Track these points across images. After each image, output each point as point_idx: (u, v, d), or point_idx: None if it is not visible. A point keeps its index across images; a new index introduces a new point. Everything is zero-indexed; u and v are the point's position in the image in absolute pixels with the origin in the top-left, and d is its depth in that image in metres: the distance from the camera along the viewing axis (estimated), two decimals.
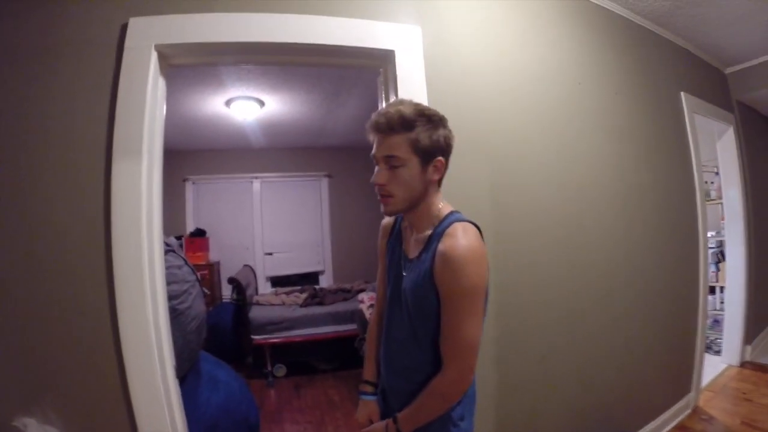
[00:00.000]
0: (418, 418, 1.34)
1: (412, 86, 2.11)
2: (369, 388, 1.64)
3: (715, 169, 4.50)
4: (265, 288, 7.10)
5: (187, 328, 2.32)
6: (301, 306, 5.51)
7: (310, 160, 7.43)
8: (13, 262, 1.69)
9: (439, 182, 1.40)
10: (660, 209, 3.12)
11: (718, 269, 4.66)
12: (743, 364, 4.18)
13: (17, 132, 1.73)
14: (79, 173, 1.75)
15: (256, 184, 7.32)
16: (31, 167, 1.72)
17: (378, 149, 1.32)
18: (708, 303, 3.55)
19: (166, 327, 1.83)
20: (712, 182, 4.67)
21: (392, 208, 1.36)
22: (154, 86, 1.84)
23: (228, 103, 4.73)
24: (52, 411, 1.67)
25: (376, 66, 2.24)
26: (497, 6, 2.43)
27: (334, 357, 5.27)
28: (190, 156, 6.87)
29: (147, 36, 1.83)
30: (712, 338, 4.55)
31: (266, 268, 7.31)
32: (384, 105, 2.16)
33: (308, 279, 7.43)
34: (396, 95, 2.09)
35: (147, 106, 1.79)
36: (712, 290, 4.57)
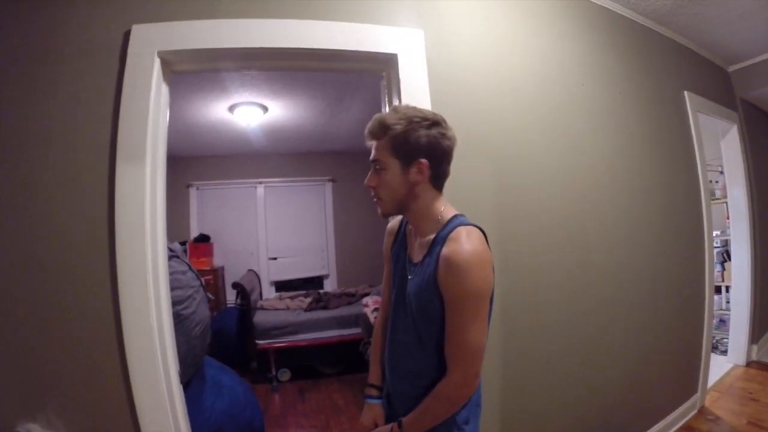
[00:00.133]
0: (424, 422, 1.33)
1: (415, 89, 2.11)
2: (374, 392, 1.63)
3: (720, 168, 4.49)
4: (269, 293, 7.11)
5: (192, 334, 2.33)
6: (306, 310, 5.51)
7: (314, 164, 7.45)
8: (17, 268, 1.70)
9: (436, 185, 1.37)
10: (664, 209, 3.11)
11: (723, 269, 4.64)
12: (749, 364, 4.16)
13: (21, 138, 1.74)
14: (83, 179, 1.76)
15: (260, 190, 7.33)
16: (35, 173, 1.74)
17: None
18: (714, 303, 3.54)
19: (171, 332, 1.84)
20: (716, 181, 4.66)
21: (382, 210, 1.40)
22: (158, 92, 1.85)
23: (231, 108, 4.75)
24: (56, 417, 1.67)
25: (378, 70, 2.24)
26: (499, 8, 2.43)
27: (338, 361, 5.26)
28: (193, 162, 6.89)
29: (150, 43, 1.84)
30: (718, 338, 4.54)
31: (270, 272, 7.33)
32: (387, 109, 2.17)
33: (312, 283, 7.44)
34: (399, 99, 2.09)
35: (150, 113, 1.80)
36: (717, 290, 4.55)
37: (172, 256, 2.23)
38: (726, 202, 4.40)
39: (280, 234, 7.40)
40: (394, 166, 1.33)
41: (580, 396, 2.54)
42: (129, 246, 1.72)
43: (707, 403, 3.45)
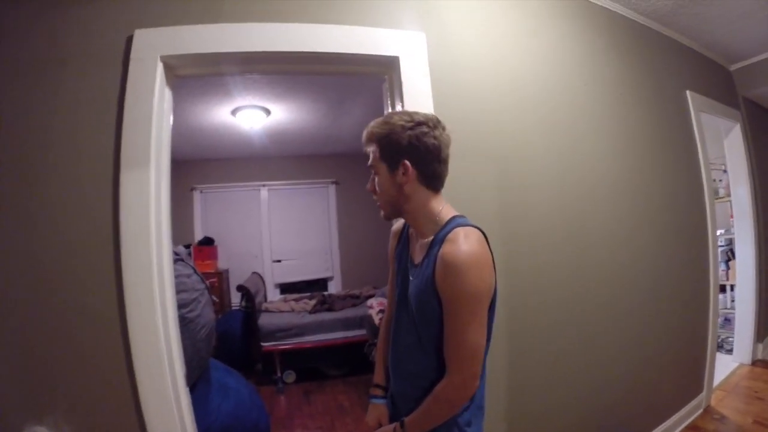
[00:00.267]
0: (425, 423, 1.33)
1: (417, 92, 2.12)
2: (379, 392, 1.65)
3: (723, 167, 4.48)
4: (273, 295, 7.13)
5: (197, 336, 2.33)
6: (310, 312, 5.53)
7: (317, 167, 7.46)
8: (24, 274, 1.71)
9: (429, 185, 1.37)
10: (668, 208, 3.11)
11: (728, 267, 4.62)
12: (755, 363, 4.15)
13: (25, 144, 1.75)
14: (87, 184, 1.77)
15: (264, 192, 7.35)
16: (40, 179, 1.74)
17: None
18: (719, 302, 3.53)
19: (176, 335, 1.84)
20: (720, 180, 4.64)
21: (382, 213, 1.44)
22: (161, 97, 1.86)
23: (234, 112, 4.76)
24: (63, 419, 1.68)
25: (381, 73, 2.25)
26: (499, 10, 2.44)
27: (343, 363, 5.27)
28: (197, 165, 6.91)
29: (153, 47, 1.85)
30: (723, 337, 4.52)
31: (275, 275, 7.34)
32: (389, 111, 2.17)
33: (317, 285, 7.45)
34: (401, 101, 2.10)
35: (154, 117, 1.81)
36: (722, 289, 4.53)
37: (177, 259, 2.24)
38: (730, 201, 4.39)
39: (284, 236, 7.41)
40: (383, 169, 1.37)
41: (585, 395, 2.54)
42: (134, 250, 1.73)
43: (713, 402, 3.45)
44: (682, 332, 3.19)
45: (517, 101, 2.41)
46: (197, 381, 2.37)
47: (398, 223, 1.63)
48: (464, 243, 1.22)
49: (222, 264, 6.64)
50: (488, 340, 1.36)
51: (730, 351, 4.38)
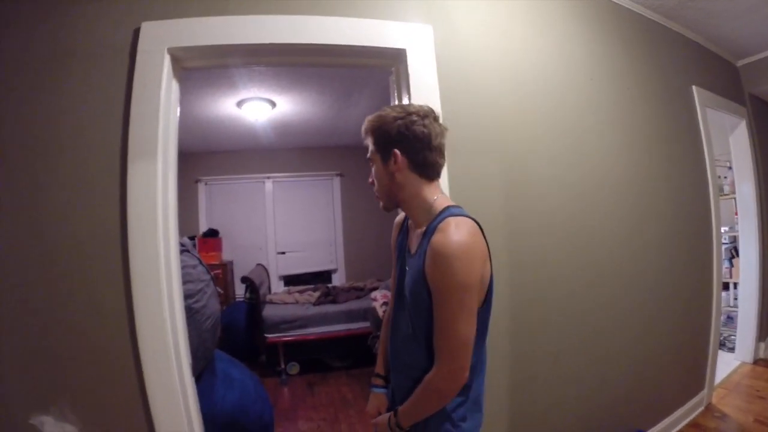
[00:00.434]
0: (416, 412, 1.34)
1: (424, 84, 2.12)
2: (379, 382, 1.67)
3: (728, 164, 4.46)
4: (278, 287, 7.16)
5: (203, 327, 2.35)
6: (315, 304, 5.55)
7: (322, 159, 7.47)
8: (32, 265, 1.73)
9: (422, 173, 1.38)
10: (672, 205, 3.11)
11: (731, 265, 4.61)
12: (757, 362, 4.15)
13: (33, 137, 1.76)
14: (95, 176, 1.79)
15: (269, 184, 7.36)
16: (47, 171, 1.76)
17: None
18: (721, 299, 3.53)
19: (183, 326, 1.86)
20: (725, 177, 4.62)
21: (381, 204, 1.49)
22: (168, 89, 1.87)
23: (240, 104, 4.77)
24: (70, 409, 1.69)
25: (387, 65, 2.25)
26: (506, 4, 2.44)
27: (347, 355, 5.30)
28: (202, 157, 6.93)
29: (160, 40, 1.86)
30: (726, 335, 4.51)
31: (279, 267, 7.36)
32: (395, 103, 2.18)
33: (321, 278, 7.47)
34: (408, 94, 2.10)
35: (161, 109, 1.82)
36: (725, 286, 4.51)
37: (183, 250, 2.25)
38: (734, 198, 4.37)
39: (289, 228, 7.43)
40: (377, 160, 1.42)
41: (587, 392, 2.55)
42: (141, 241, 1.74)
43: (714, 401, 3.45)
44: (684, 330, 3.19)
45: (523, 95, 2.42)
46: (202, 371, 2.38)
47: (401, 215, 1.64)
48: (454, 233, 1.22)
49: (226, 256, 6.68)
50: (484, 333, 1.36)
51: (732, 349, 4.38)
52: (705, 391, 3.36)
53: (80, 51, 1.83)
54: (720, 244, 3.49)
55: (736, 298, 4.53)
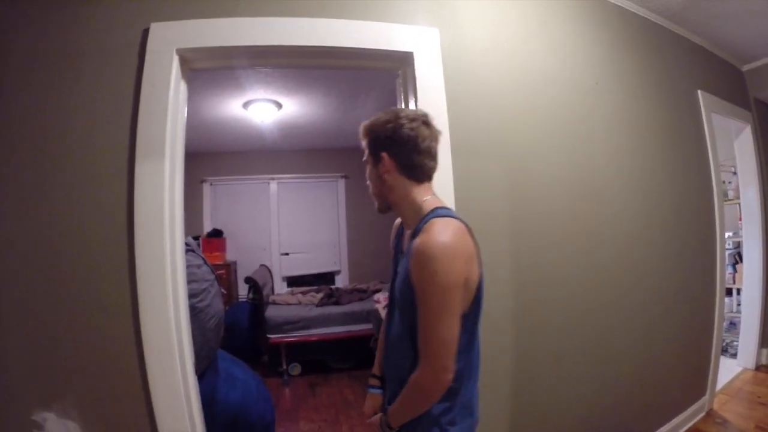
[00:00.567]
0: (403, 412, 1.35)
1: (431, 87, 2.14)
2: (376, 382, 1.70)
3: (733, 169, 4.45)
4: (281, 288, 7.16)
5: (206, 326, 2.36)
6: (317, 306, 5.56)
7: (327, 161, 7.48)
8: (38, 262, 1.74)
9: (411, 175, 1.41)
10: (677, 209, 3.11)
11: (735, 270, 4.59)
12: (759, 368, 4.12)
13: (42, 135, 1.78)
14: (103, 175, 1.80)
15: (273, 185, 7.38)
16: (56, 169, 1.78)
17: None
18: (724, 305, 3.52)
19: (187, 324, 1.87)
20: (729, 182, 4.61)
21: (376, 205, 1.54)
22: (176, 90, 1.89)
23: (246, 105, 4.79)
24: (72, 406, 1.70)
25: (394, 68, 2.27)
26: (512, 7, 2.45)
27: (349, 356, 5.30)
28: (207, 157, 6.94)
29: (168, 40, 1.87)
30: (728, 341, 4.49)
31: (282, 268, 7.37)
32: (402, 107, 2.20)
33: (324, 279, 7.48)
34: (415, 96, 2.12)
35: (169, 109, 1.83)
36: (728, 292, 4.50)
37: (188, 250, 2.26)
38: (739, 203, 4.35)
39: (293, 230, 7.44)
40: (370, 163, 1.46)
41: (588, 395, 2.55)
42: (148, 240, 1.76)
43: (715, 406, 3.44)
44: (686, 334, 3.18)
45: (529, 98, 2.42)
46: (205, 371, 2.39)
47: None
48: (437, 233, 1.22)
49: (230, 256, 6.68)
50: (473, 337, 1.36)
51: (734, 355, 4.36)
52: (706, 396, 3.36)
53: (89, 51, 1.84)
54: (724, 249, 3.49)
55: (739, 304, 4.52)
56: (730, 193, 4.62)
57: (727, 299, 4.22)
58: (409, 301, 1.29)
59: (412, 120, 1.38)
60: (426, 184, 1.44)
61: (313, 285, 6.97)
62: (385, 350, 1.56)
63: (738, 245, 4.65)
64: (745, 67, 4.24)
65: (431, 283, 1.20)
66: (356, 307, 5.48)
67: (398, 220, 1.65)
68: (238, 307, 5.74)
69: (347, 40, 2.05)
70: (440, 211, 1.35)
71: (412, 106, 2.15)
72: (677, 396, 3.12)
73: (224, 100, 4.63)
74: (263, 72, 3.87)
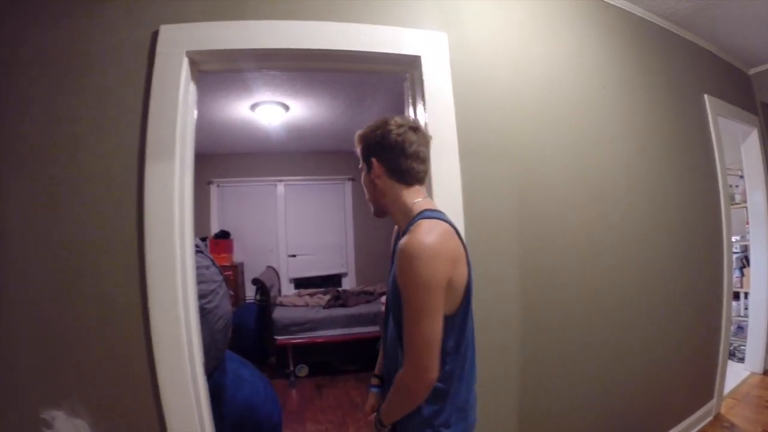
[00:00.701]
0: (392, 410, 1.37)
1: (438, 91, 2.14)
2: (376, 381, 1.72)
3: (740, 173, 4.44)
4: (288, 289, 7.17)
5: (215, 327, 2.37)
6: (324, 307, 5.56)
7: (334, 163, 7.50)
8: (49, 262, 1.76)
9: (400, 179, 1.45)
10: (684, 213, 3.11)
11: (742, 274, 4.57)
12: (766, 372, 4.11)
13: (52, 137, 1.80)
14: (113, 176, 1.82)
15: (280, 188, 7.41)
16: (66, 170, 1.79)
17: None
18: (732, 309, 3.51)
19: (196, 325, 1.88)
20: (736, 186, 4.60)
21: (372, 209, 1.60)
22: (186, 91, 1.90)
23: (253, 107, 4.81)
24: (81, 404, 1.72)
25: (402, 72, 2.27)
26: (519, 11, 2.46)
27: (356, 358, 5.31)
28: (215, 159, 6.98)
29: (178, 43, 1.89)
30: (736, 345, 4.47)
31: (289, 269, 7.40)
32: (410, 109, 2.21)
33: (331, 281, 7.49)
34: (423, 100, 2.12)
35: (179, 111, 1.85)
36: (736, 296, 4.48)
37: (197, 251, 2.27)
38: (746, 207, 4.34)
39: (300, 232, 7.47)
40: (364, 170, 1.52)
41: (595, 397, 2.55)
42: (158, 241, 1.77)
43: (723, 410, 3.43)
44: (694, 338, 3.18)
45: (536, 102, 2.43)
46: (213, 371, 2.41)
47: None
48: (422, 234, 1.24)
49: (237, 257, 6.72)
50: (461, 339, 1.37)
51: (742, 359, 4.34)
52: (714, 400, 3.35)
53: (99, 53, 1.86)
54: (731, 253, 3.48)
55: (746, 308, 4.49)
56: (737, 197, 4.61)
57: (734, 303, 4.19)
58: (398, 301, 1.31)
59: (400, 126, 1.43)
60: (416, 187, 1.48)
61: (320, 287, 6.97)
62: (384, 350, 1.59)
63: (745, 249, 4.63)
64: (752, 71, 4.24)
65: (414, 283, 1.22)
66: (363, 309, 5.48)
67: None
68: (245, 309, 5.76)
69: (355, 43, 2.06)
70: (428, 213, 1.38)
71: (420, 109, 2.16)
72: (684, 399, 3.12)
73: (232, 102, 4.65)
74: (271, 74, 3.89)
